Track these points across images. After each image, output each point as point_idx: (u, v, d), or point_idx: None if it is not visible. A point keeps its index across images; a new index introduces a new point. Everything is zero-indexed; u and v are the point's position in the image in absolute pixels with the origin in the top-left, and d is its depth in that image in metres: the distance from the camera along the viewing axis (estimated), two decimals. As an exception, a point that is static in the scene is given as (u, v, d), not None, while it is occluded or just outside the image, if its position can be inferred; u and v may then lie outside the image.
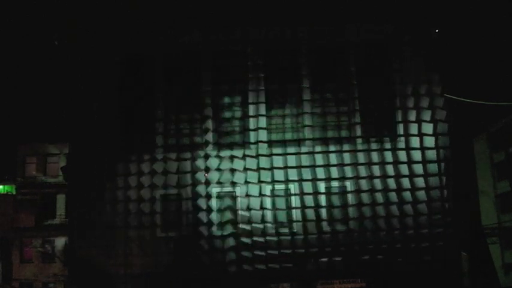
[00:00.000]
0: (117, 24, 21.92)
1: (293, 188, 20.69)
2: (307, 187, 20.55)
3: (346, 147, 20.91)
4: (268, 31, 21.64)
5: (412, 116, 21.14)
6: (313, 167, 20.69)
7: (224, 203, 20.71)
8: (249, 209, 20.41)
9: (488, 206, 45.49)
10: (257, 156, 20.72)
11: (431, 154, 20.85)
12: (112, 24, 21.97)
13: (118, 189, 20.62)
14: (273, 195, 20.69)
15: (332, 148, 20.88)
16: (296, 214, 20.46)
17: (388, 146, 20.94)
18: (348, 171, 20.71)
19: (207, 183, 20.57)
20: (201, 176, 20.68)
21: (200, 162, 20.77)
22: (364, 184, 20.59)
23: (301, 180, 20.57)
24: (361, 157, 20.80)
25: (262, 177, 20.58)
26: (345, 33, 21.67)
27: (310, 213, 20.36)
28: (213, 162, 20.76)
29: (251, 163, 20.71)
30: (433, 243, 20.20)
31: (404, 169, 20.70)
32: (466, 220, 20.89)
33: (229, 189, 20.70)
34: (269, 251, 20.15)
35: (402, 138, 20.98)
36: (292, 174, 20.69)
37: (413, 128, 21.06)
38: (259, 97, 21.23)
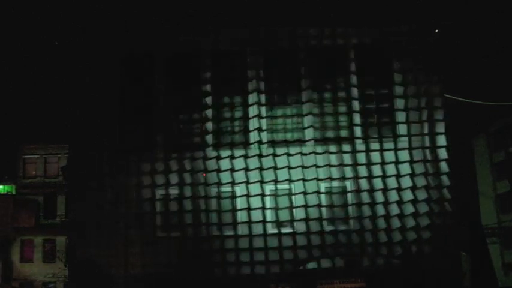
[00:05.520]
0: (117, 23, 21.92)
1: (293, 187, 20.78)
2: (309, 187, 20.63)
3: (345, 147, 20.95)
4: (268, 31, 21.68)
5: (412, 116, 21.17)
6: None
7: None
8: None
9: (488, 206, 45.49)
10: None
11: (431, 154, 20.87)
12: (112, 23, 21.97)
13: (118, 189, 20.65)
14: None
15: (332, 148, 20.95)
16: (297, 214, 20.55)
17: (387, 146, 20.98)
18: (348, 171, 20.74)
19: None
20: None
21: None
22: (364, 184, 20.63)
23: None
24: (361, 157, 20.84)
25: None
26: (344, 34, 21.71)
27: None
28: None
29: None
30: (433, 243, 20.23)
31: (404, 169, 20.75)
32: (466, 220, 20.88)
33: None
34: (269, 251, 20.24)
35: (402, 138, 21.01)
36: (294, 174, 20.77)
37: (413, 128, 21.08)
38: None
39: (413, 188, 20.57)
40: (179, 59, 21.72)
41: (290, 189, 20.74)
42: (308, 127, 21.04)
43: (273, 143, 21.05)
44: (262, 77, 21.44)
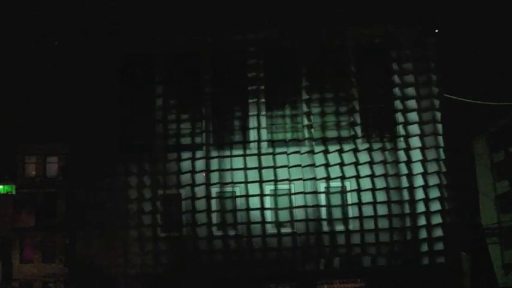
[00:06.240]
0: (117, 24, 21.94)
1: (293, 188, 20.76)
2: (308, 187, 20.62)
3: (345, 147, 20.95)
4: (268, 32, 21.69)
5: (412, 116, 21.17)
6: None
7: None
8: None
9: (488, 206, 45.43)
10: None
11: (431, 154, 20.87)
12: (112, 24, 21.99)
13: (118, 189, 20.64)
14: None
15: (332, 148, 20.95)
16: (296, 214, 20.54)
17: (387, 146, 20.97)
18: (348, 171, 20.74)
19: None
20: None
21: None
22: (363, 184, 20.62)
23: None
24: (361, 157, 20.83)
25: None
26: (345, 34, 21.71)
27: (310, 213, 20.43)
28: None
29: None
30: (433, 243, 20.23)
31: (403, 169, 20.75)
32: (466, 220, 20.87)
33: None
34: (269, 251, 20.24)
35: (402, 138, 21.01)
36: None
37: (413, 128, 21.08)
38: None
39: (413, 188, 20.59)
40: (179, 60, 21.72)
41: (289, 189, 20.76)
42: (307, 125, 21.05)
43: (272, 143, 21.06)
44: (262, 77, 21.46)
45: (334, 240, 20.28)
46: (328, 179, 20.67)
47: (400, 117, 21.21)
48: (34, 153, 48.76)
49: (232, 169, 20.74)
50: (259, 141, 20.93)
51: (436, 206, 20.49)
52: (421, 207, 20.51)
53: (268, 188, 20.75)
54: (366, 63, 21.65)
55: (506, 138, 43.55)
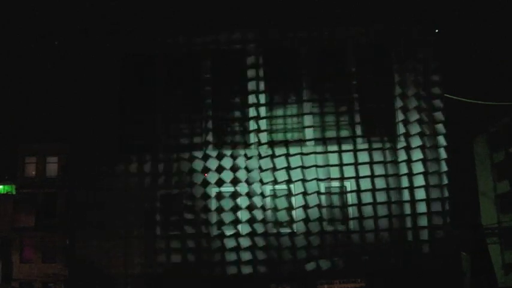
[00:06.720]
0: (117, 24, 21.94)
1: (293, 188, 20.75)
2: (309, 187, 20.61)
3: (345, 147, 20.94)
4: (268, 32, 21.69)
5: (412, 116, 21.16)
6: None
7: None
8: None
9: (488, 206, 45.46)
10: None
11: (431, 154, 20.86)
12: (112, 24, 21.99)
13: (118, 189, 20.63)
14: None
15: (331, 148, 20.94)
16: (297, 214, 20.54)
17: (387, 145, 20.96)
18: (348, 171, 20.73)
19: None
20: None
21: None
22: (363, 184, 20.61)
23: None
24: (361, 157, 20.82)
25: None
26: (345, 34, 21.71)
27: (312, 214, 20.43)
28: None
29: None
30: (433, 243, 20.23)
31: (403, 169, 20.75)
32: (466, 220, 20.88)
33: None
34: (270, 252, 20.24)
35: (402, 138, 21.00)
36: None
37: (413, 128, 21.07)
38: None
39: (412, 188, 20.57)
40: (179, 59, 21.73)
41: (289, 190, 20.75)
42: (308, 126, 21.05)
43: (272, 143, 21.05)
44: (262, 77, 21.45)
45: (334, 240, 20.27)
46: (327, 179, 20.65)
47: (400, 116, 21.19)
48: (34, 153, 48.77)
49: (233, 169, 20.73)
50: (259, 143, 20.92)
51: (436, 206, 20.47)
52: (421, 207, 20.49)
53: (268, 189, 20.74)
54: (366, 63, 21.63)
55: (506, 138, 43.57)
